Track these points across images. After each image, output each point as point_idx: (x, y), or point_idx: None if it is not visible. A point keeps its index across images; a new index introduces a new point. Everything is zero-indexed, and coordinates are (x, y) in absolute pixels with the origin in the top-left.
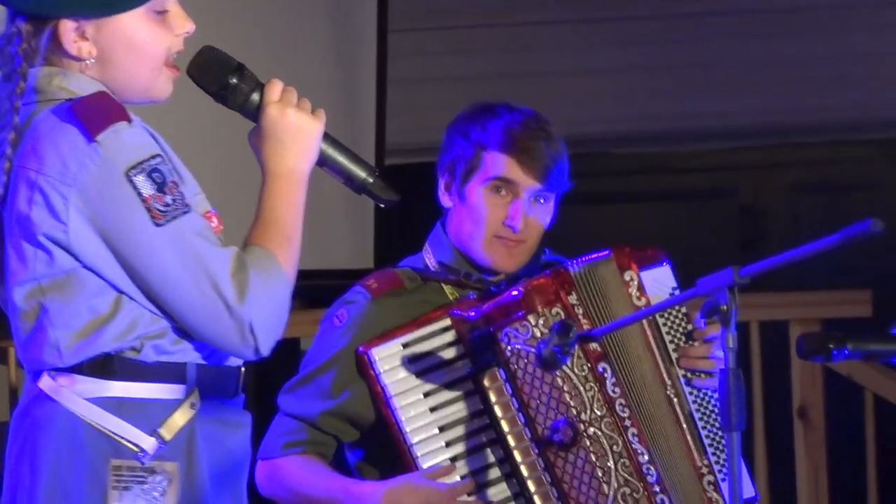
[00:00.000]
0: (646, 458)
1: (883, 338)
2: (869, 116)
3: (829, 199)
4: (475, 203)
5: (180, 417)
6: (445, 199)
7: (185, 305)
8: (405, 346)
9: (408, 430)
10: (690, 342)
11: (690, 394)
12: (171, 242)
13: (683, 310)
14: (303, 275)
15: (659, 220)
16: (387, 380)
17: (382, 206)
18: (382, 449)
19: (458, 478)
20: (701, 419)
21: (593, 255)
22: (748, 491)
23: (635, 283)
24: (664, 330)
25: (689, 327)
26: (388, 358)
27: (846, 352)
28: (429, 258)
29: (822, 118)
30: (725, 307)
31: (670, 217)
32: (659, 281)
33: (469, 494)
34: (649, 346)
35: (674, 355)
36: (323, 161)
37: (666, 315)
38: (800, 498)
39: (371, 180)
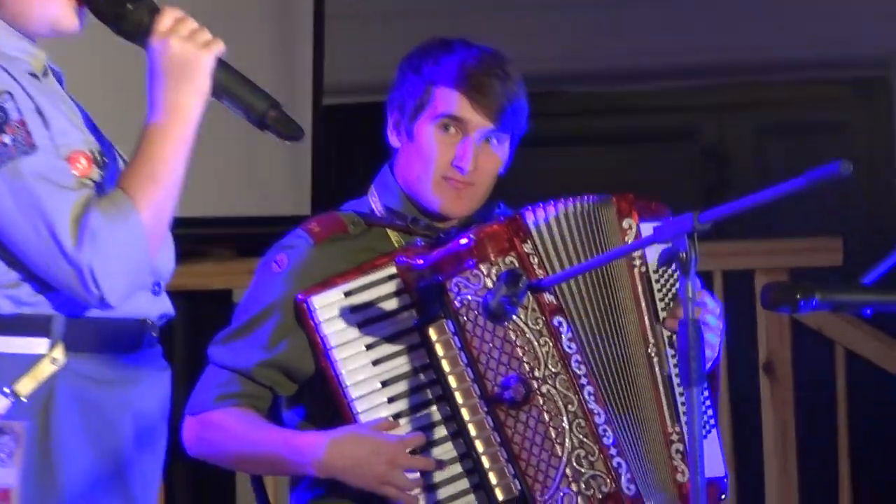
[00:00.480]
0: (602, 418)
1: (854, 288)
2: (840, 54)
3: (798, 141)
4: (423, 142)
5: (39, 373)
6: (394, 139)
7: (24, 250)
8: (347, 294)
9: (348, 384)
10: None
11: (672, 357)
12: (6, 184)
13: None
14: (235, 222)
15: (617, 163)
16: (326, 330)
17: (286, 141)
18: (321, 405)
19: (402, 433)
20: (679, 385)
21: (593, 196)
22: (717, 468)
23: (633, 231)
24: (656, 287)
25: (675, 284)
26: (328, 307)
27: (814, 302)
28: (374, 202)
29: (790, 55)
30: (685, 255)
31: (628, 160)
32: None
33: (415, 451)
34: (637, 300)
35: (663, 314)
36: (218, 93)
37: (660, 272)
38: (766, 458)
39: (271, 114)
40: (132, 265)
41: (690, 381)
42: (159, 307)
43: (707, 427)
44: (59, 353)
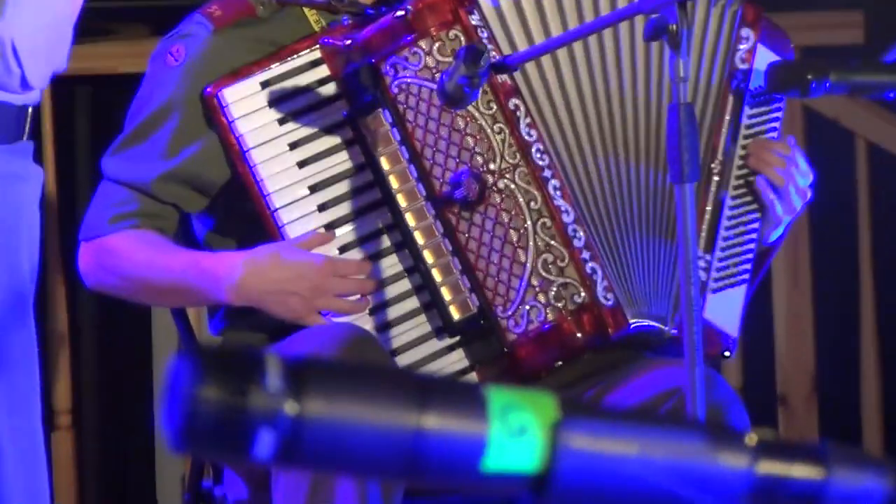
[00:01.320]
0: (571, 217)
1: (874, 67)
2: None
3: None
4: None
5: None
6: None
7: None
8: (264, 85)
9: (270, 190)
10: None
11: (735, 188)
12: None
13: (773, 108)
14: None
15: None
16: (242, 128)
17: None
18: (239, 217)
19: (336, 249)
20: (729, 218)
21: None
22: (730, 326)
23: (746, 46)
24: (749, 111)
25: (764, 128)
26: (243, 101)
27: (828, 84)
28: None
29: None
30: (675, 27)
31: None
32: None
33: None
34: (723, 110)
35: (743, 142)
36: None
37: (754, 98)
38: (775, 273)
39: None
40: (57, 41)
41: (682, 177)
42: (34, 94)
43: (736, 278)
44: None
